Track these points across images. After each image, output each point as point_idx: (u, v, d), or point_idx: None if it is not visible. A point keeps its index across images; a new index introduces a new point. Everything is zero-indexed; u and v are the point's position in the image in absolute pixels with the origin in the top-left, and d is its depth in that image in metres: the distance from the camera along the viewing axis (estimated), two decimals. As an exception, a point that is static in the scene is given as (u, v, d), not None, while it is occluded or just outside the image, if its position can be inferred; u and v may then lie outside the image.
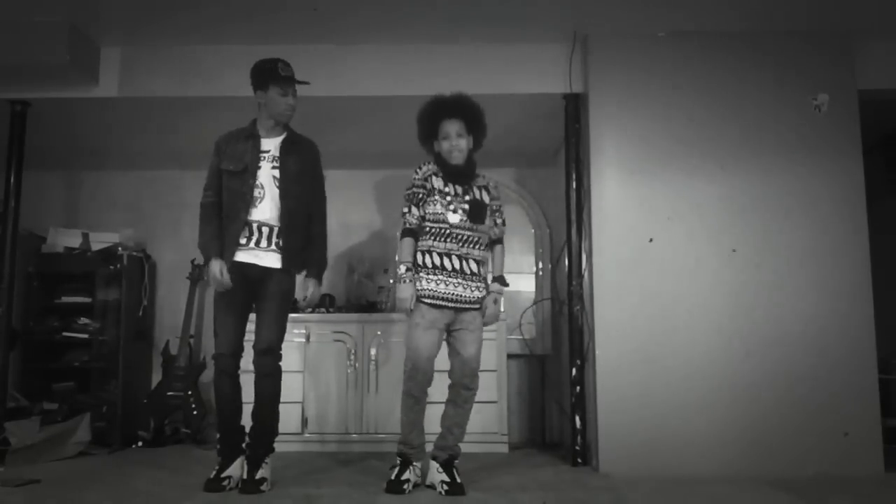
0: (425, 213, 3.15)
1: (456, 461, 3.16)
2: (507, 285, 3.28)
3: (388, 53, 3.95)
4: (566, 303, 4.07)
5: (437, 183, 3.16)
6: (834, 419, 3.55)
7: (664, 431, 3.57)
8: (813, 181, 3.73)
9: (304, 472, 3.53)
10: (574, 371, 3.84)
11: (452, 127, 3.13)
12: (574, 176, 3.95)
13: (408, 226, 3.16)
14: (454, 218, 3.12)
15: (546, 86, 3.94)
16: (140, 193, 5.32)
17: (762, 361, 3.61)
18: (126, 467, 3.74)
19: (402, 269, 3.12)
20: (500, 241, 3.30)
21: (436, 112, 3.16)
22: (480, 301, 3.19)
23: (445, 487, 3.04)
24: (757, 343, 3.62)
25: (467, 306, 3.15)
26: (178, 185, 5.32)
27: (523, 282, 5.12)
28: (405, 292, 3.09)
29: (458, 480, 3.08)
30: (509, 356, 4.55)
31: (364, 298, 4.87)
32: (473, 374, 3.17)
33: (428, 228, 3.15)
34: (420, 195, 3.16)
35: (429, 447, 3.23)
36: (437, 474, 3.11)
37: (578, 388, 3.83)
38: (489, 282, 3.25)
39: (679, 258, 3.70)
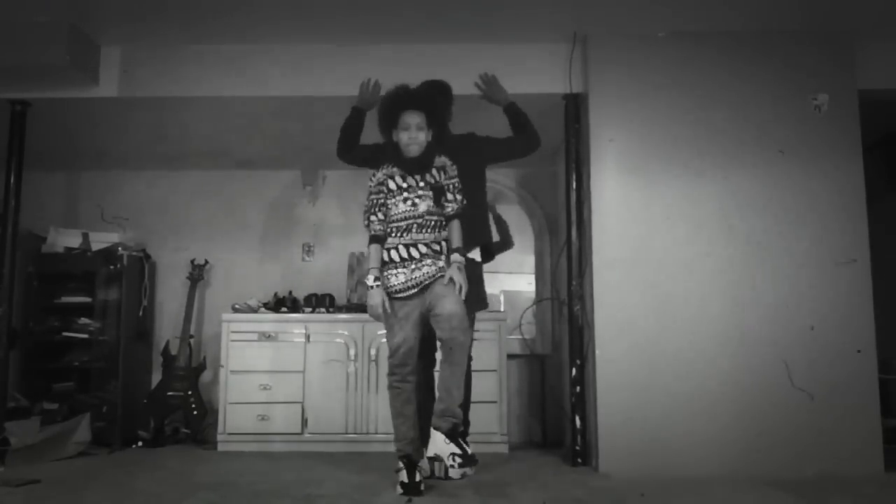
0: (388, 216, 3.12)
1: (461, 430, 3.03)
2: (465, 256, 3.18)
3: (388, 53, 3.94)
4: (566, 303, 4.07)
5: (396, 182, 3.12)
6: (834, 419, 3.55)
7: (664, 431, 3.56)
8: (813, 181, 3.73)
9: (304, 472, 3.54)
10: (574, 371, 3.84)
11: (412, 119, 3.07)
12: (574, 176, 3.95)
13: (373, 233, 3.12)
14: (423, 207, 3.09)
15: (546, 86, 3.94)
16: (140, 193, 5.33)
17: (762, 361, 3.60)
18: (126, 467, 3.74)
19: (371, 277, 3.07)
20: (457, 216, 3.17)
21: (398, 102, 3.11)
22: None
23: (458, 460, 2.92)
24: (757, 343, 3.62)
25: (433, 279, 3.08)
26: (178, 185, 5.33)
27: (523, 282, 5.12)
28: (375, 299, 3.05)
29: (469, 452, 2.94)
30: (509, 356, 4.55)
31: (364, 298, 4.85)
32: (455, 328, 2.98)
33: (392, 229, 3.11)
34: (379, 200, 3.12)
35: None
36: (444, 445, 2.94)
37: (578, 388, 3.83)
38: (450, 255, 3.14)
39: (679, 258, 3.69)
